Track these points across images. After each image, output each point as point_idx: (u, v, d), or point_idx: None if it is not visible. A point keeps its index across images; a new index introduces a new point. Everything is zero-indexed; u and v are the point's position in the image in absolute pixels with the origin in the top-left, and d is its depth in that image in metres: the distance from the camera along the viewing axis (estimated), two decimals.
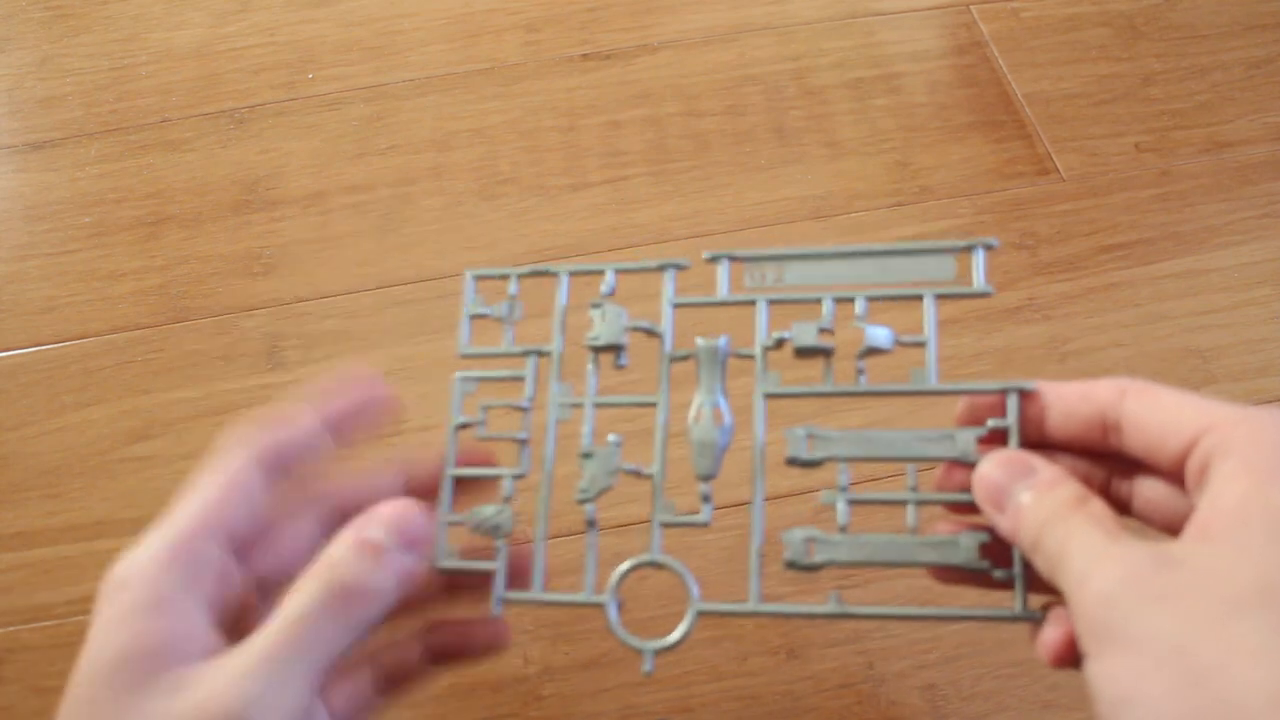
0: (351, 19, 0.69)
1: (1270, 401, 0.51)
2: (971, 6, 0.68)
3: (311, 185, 0.61)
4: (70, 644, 0.46)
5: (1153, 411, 0.24)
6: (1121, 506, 0.26)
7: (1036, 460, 0.25)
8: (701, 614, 0.26)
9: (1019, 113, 0.63)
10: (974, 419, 0.27)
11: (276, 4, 0.70)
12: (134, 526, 0.49)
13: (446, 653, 0.28)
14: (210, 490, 0.26)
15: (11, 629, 0.47)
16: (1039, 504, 0.24)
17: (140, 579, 0.24)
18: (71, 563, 0.48)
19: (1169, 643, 0.19)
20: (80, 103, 0.66)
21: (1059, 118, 0.62)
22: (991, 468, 0.25)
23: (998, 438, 0.27)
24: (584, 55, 0.67)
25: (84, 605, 0.47)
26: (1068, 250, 0.57)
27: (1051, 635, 0.24)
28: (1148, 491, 0.25)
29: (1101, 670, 0.20)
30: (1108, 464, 0.26)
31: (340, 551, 0.25)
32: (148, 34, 0.69)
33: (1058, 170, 0.60)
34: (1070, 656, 0.24)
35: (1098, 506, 0.23)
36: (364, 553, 0.25)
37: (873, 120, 0.63)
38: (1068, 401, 0.26)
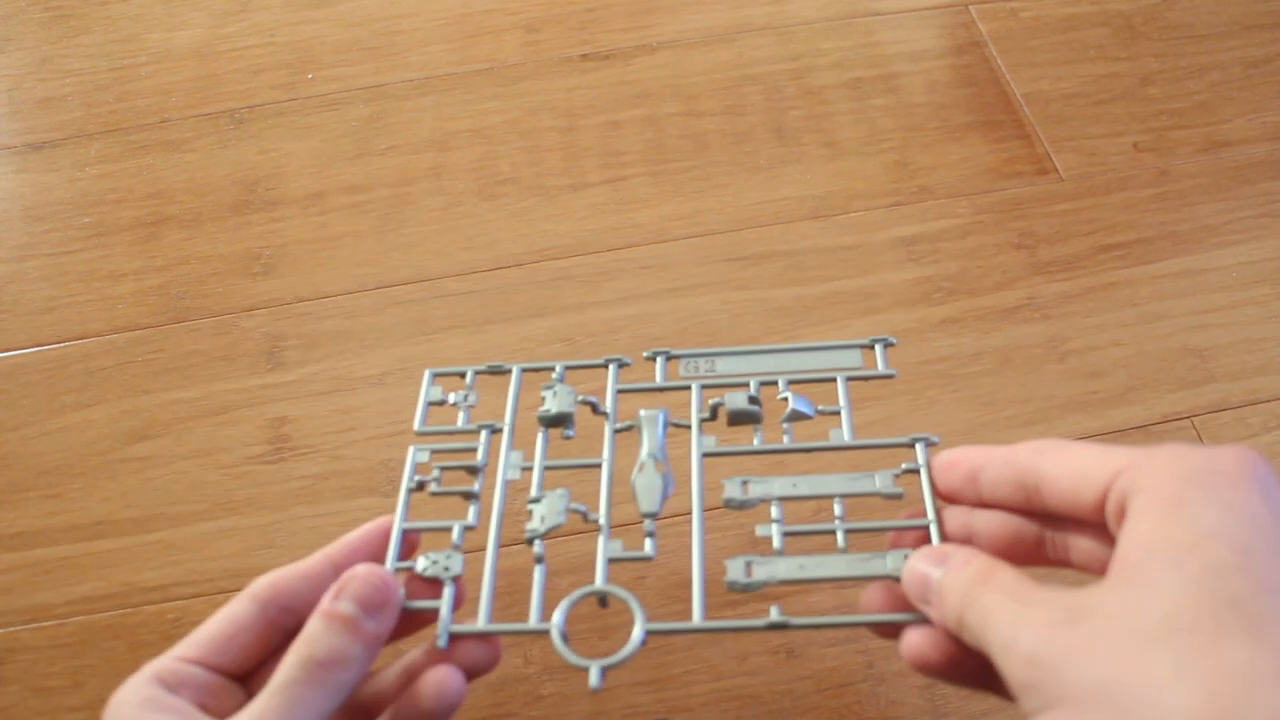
0: (351, 19, 0.69)
1: (1270, 401, 0.51)
2: (970, 6, 0.68)
3: (311, 185, 0.61)
4: (70, 644, 0.46)
5: (1064, 466, 0.25)
6: (1061, 560, 0.27)
7: (951, 547, 0.27)
8: (650, 633, 0.28)
9: (1018, 112, 0.63)
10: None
11: (276, 5, 0.70)
12: (134, 526, 0.49)
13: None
14: (201, 628, 0.29)
15: (12, 629, 0.47)
16: (952, 585, 0.25)
17: (131, 691, 0.26)
18: (71, 563, 0.48)
19: (1093, 688, 0.20)
20: (80, 103, 0.66)
21: (1058, 117, 0.62)
22: (913, 560, 0.27)
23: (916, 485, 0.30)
24: (583, 55, 0.67)
25: (84, 605, 0.47)
26: (1067, 250, 0.57)
27: (911, 641, 0.26)
28: (1083, 543, 0.26)
29: None
30: (1042, 521, 0.28)
31: (314, 625, 0.27)
32: (147, 35, 0.69)
33: (1056, 170, 0.60)
34: (929, 667, 0.26)
35: (1005, 575, 0.24)
36: (333, 625, 0.27)
37: (872, 120, 0.63)
38: (994, 466, 0.28)
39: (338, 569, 0.29)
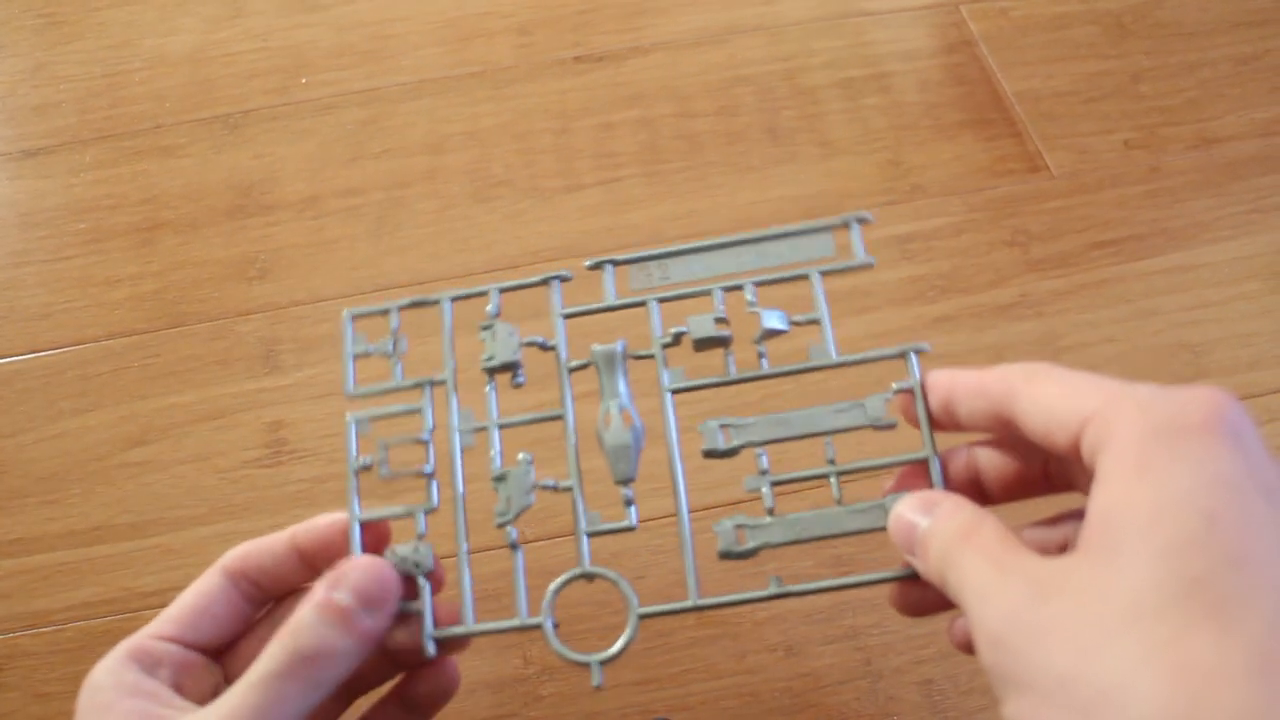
0: (344, 23, 0.69)
1: (1262, 395, 0.51)
2: (961, 6, 0.68)
3: (306, 189, 0.61)
4: (69, 650, 0.46)
5: (1036, 406, 0.23)
6: (1069, 487, 0.26)
7: (939, 495, 0.25)
8: (643, 618, 0.26)
9: (1009, 111, 0.63)
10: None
11: (269, 9, 0.70)
12: (132, 532, 0.49)
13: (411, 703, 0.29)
14: (174, 604, 0.28)
15: (11, 635, 0.47)
16: (934, 539, 0.24)
17: (106, 673, 0.26)
18: (70, 568, 0.48)
19: (1055, 677, 0.19)
20: (74, 109, 0.66)
21: (1049, 115, 0.63)
22: (900, 507, 0.25)
23: (907, 402, 0.27)
24: (576, 57, 0.67)
25: (83, 611, 0.47)
26: (1059, 247, 0.57)
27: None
28: (1082, 474, 0.24)
29: (1007, 714, 0.21)
30: (1038, 451, 0.26)
31: (305, 615, 0.25)
32: (140, 40, 0.69)
33: (1048, 168, 0.60)
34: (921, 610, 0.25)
35: (988, 533, 0.23)
36: (327, 617, 0.25)
37: (864, 119, 0.63)
38: (968, 395, 0.26)
39: (301, 553, 0.28)
